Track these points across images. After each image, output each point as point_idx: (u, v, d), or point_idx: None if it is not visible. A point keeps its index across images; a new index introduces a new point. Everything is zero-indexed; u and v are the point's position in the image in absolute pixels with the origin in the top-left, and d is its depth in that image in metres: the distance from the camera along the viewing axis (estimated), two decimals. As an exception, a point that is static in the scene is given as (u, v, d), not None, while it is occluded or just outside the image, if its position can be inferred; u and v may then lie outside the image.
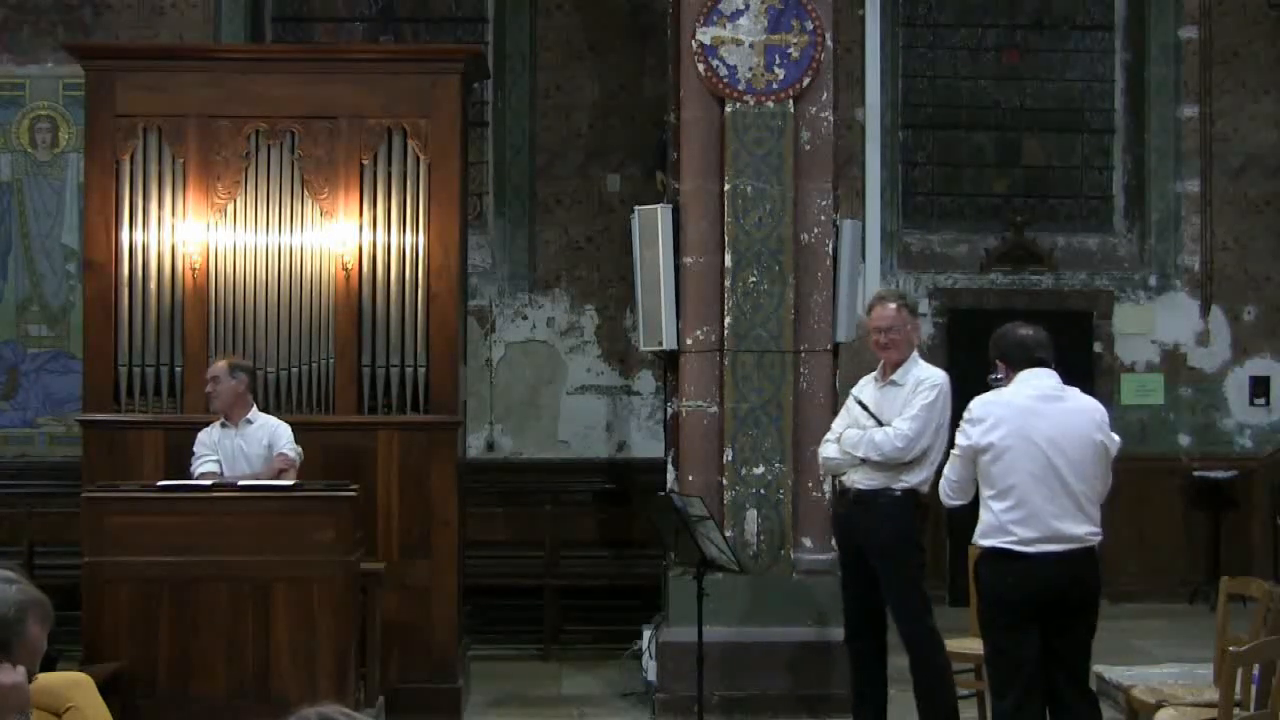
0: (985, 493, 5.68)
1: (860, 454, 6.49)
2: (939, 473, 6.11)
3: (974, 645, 6.58)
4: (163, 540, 6.78)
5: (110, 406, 7.95)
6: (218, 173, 8.03)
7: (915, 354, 6.68)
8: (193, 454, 7.44)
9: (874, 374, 6.72)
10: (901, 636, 6.60)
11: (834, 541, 7.20)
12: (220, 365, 7.49)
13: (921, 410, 6.45)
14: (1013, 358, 5.79)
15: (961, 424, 5.77)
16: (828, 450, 6.73)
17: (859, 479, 6.56)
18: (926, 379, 6.56)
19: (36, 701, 5.98)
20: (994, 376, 5.94)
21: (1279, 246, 11.87)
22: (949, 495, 5.86)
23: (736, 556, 6.92)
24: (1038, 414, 5.64)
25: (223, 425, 7.46)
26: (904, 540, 6.51)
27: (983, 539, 5.69)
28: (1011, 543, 5.58)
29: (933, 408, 6.47)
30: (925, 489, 6.51)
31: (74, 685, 6.02)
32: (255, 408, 7.52)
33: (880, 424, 6.49)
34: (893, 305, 6.65)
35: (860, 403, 6.61)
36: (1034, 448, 5.59)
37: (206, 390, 7.48)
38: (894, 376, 6.59)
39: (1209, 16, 11.77)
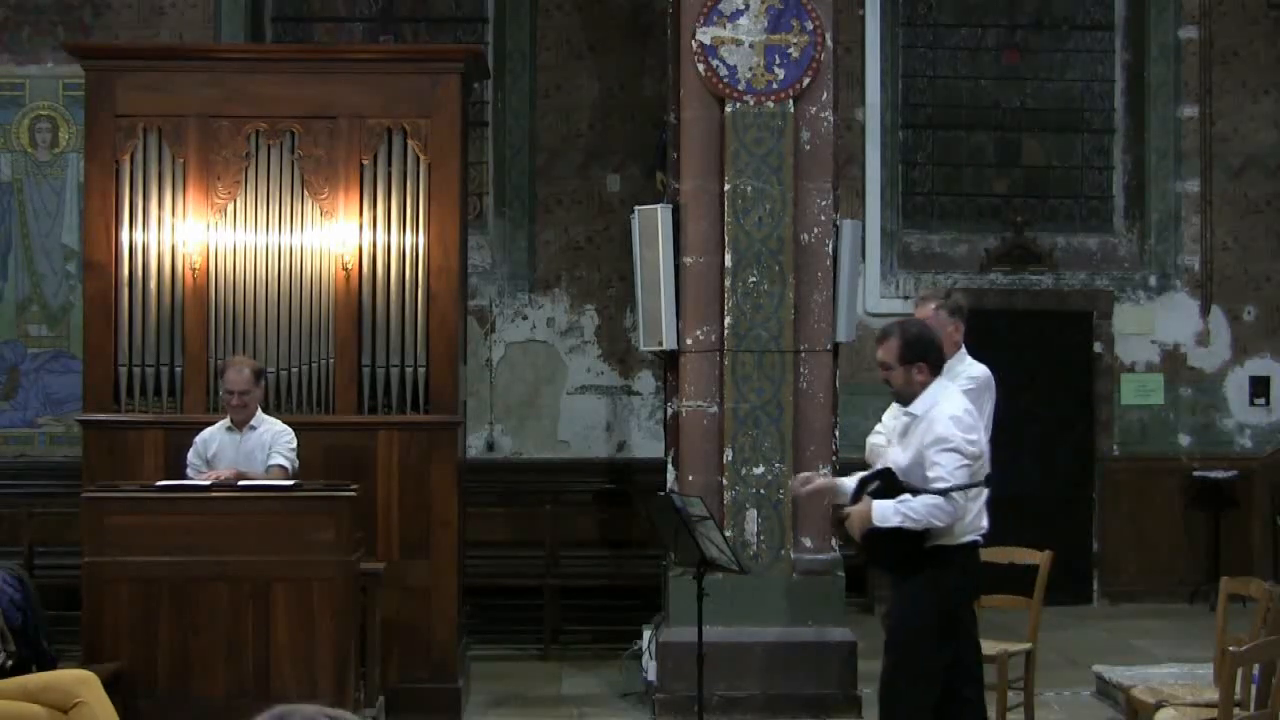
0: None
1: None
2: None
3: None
4: (163, 540, 6.78)
5: (110, 406, 7.94)
6: (218, 173, 8.03)
7: (962, 350, 6.60)
8: (187, 461, 7.39)
9: None
10: None
11: None
12: (245, 375, 7.28)
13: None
14: (936, 363, 5.74)
15: (967, 433, 5.68)
16: (873, 439, 6.58)
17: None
18: (964, 372, 6.48)
19: (45, 698, 6.03)
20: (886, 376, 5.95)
21: (1279, 246, 11.88)
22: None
23: (736, 556, 6.91)
24: None
25: (227, 429, 7.40)
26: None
27: (964, 536, 5.65)
28: (981, 534, 5.75)
29: (977, 398, 6.33)
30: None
31: (81, 682, 6.06)
32: (261, 411, 7.49)
33: None
34: (923, 304, 6.64)
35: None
36: None
37: (232, 403, 7.30)
38: None
39: (1209, 16, 11.77)
